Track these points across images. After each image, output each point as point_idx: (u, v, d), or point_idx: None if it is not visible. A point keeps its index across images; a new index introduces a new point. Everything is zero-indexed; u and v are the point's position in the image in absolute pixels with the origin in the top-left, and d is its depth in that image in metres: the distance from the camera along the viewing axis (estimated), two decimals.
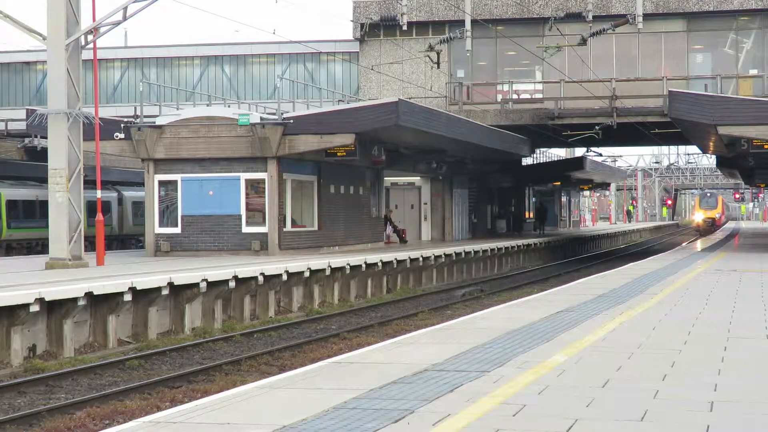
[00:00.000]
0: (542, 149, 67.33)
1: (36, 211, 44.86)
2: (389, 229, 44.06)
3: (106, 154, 34.35)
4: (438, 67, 43.42)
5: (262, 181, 33.19)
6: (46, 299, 19.21)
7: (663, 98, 43.59)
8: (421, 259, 36.08)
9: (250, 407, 9.17)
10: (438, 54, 42.10)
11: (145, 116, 34.12)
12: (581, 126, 47.21)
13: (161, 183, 33.83)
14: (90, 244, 32.35)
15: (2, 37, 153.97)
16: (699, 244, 53.38)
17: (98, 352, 20.72)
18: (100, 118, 30.08)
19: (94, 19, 28.04)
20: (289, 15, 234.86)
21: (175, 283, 23.02)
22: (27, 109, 36.68)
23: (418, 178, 48.08)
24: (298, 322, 25.85)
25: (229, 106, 40.57)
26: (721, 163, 58.86)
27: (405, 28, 43.95)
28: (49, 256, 27.32)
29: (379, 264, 33.01)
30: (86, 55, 29.81)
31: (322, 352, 20.22)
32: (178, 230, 33.67)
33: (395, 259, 34.15)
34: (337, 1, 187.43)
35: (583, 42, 39.17)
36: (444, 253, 38.35)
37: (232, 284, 25.00)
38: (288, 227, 34.00)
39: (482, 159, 49.65)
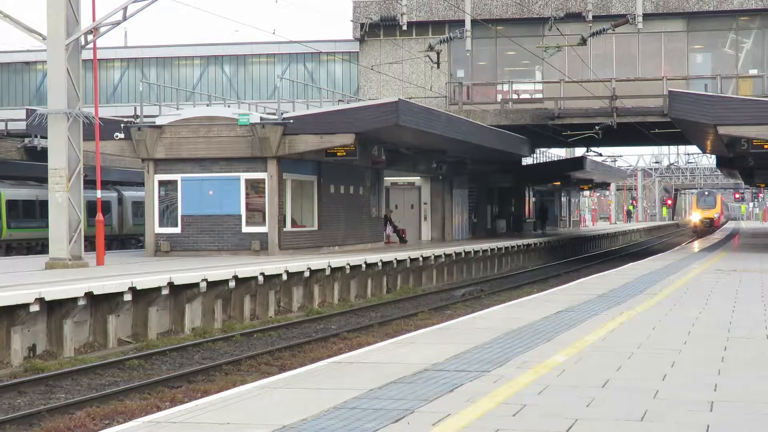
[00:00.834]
0: (542, 149, 67.34)
1: (36, 211, 44.86)
2: (389, 229, 44.06)
3: (106, 154, 34.36)
4: (438, 67, 43.43)
5: (262, 181, 33.19)
6: (46, 299, 19.21)
7: (663, 98, 43.61)
8: (421, 259, 36.08)
9: (250, 407, 9.17)
10: (438, 54, 42.11)
11: (145, 116, 34.13)
12: (581, 126, 47.21)
13: (161, 183, 33.83)
14: (90, 244, 32.34)
15: (2, 37, 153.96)
16: (699, 244, 53.32)
17: (98, 352, 20.72)
18: (100, 118, 30.09)
19: (94, 19, 28.04)
20: (289, 15, 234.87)
21: (175, 283, 23.02)
22: (27, 109, 36.69)
23: (418, 178, 48.08)
24: (298, 322, 25.85)
25: (229, 106, 40.57)
26: (721, 163, 58.85)
27: (405, 28, 43.98)
28: (49, 256, 27.32)
29: (379, 264, 33.01)
30: (86, 55, 29.82)
31: (322, 352, 20.22)
32: (178, 230, 33.67)
33: (395, 259, 34.16)
34: (337, 1, 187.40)
35: (583, 42, 39.17)
36: (444, 253, 38.35)
37: (232, 284, 25.00)
38: (288, 227, 34.00)
39: (482, 159, 49.66)
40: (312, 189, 35.97)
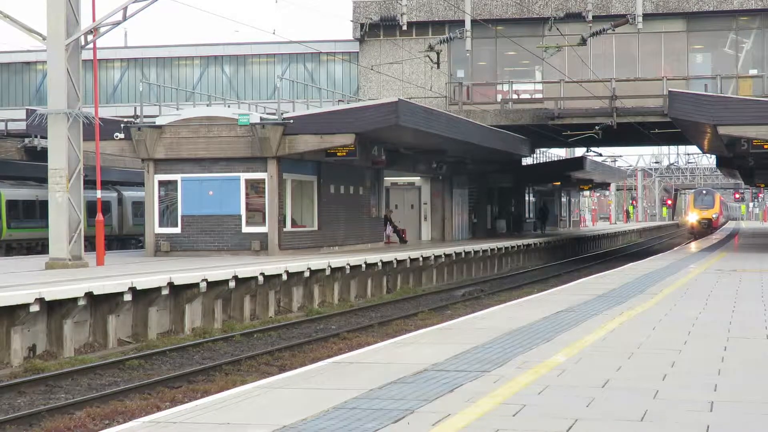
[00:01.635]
0: (542, 149, 67.32)
1: (36, 211, 44.85)
2: (389, 229, 44.06)
3: (106, 154, 34.36)
4: (438, 67, 43.42)
5: (262, 181, 33.19)
6: (46, 299, 19.21)
7: (663, 98, 43.60)
8: (421, 259, 36.08)
9: (250, 407, 9.17)
10: (438, 54, 42.10)
11: (145, 116, 34.12)
12: (581, 126, 47.21)
13: (161, 183, 33.83)
14: (90, 244, 32.34)
15: (2, 37, 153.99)
16: (699, 244, 53.30)
17: (98, 352, 20.72)
18: (100, 118, 30.08)
19: (94, 19, 28.04)
20: (289, 15, 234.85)
21: (175, 283, 23.02)
22: (27, 109, 36.68)
23: (418, 178, 48.08)
24: (298, 322, 25.85)
25: (229, 106, 40.57)
26: (721, 163, 58.87)
27: (405, 28, 43.98)
28: (49, 256, 27.32)
29: (379, 264, 33.01)
30: (86, 55, 29.82)
31: (322, 352, 20.22)
32: (178, 230, 33.67)
33: (395, 259, 34.15)
34: (337, 1, 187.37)
35: (583, 42, 39.17)
36: (444, 253, 38.35)
37: (232, 284, 25.00)
38: (288, 227, 34.00)
39: (482, 159, 49.65)
40: (312, 189, 35.97)
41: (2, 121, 49.44)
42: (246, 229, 33.29)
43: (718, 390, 9.69)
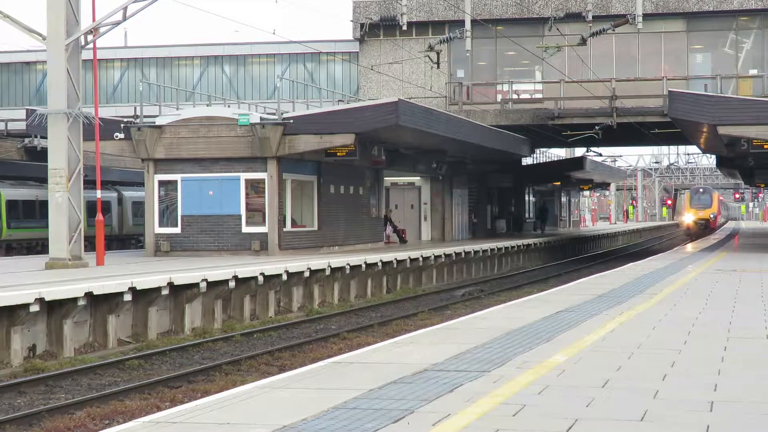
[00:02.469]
0: (542, 149, 67.33)
1: (36, 211, 44.85)
2: (389, 229, 44.06)
3: (106, 154, 34.36)
4: (438, 67, 43.43)
5: (262, 181, 33.19)
6: (46, 299, 19.21)
7: (663, 98, 43.60)
8: (421, 259, 36.08)
9: (250, 407, 9.17)
10: (438, 54, 42.12)
11: (145, 116, 34.12)
12: (581, 126, 47.21)
13: (161, 183, 33.83)
14: (90, 244, 32.33)
15: (2, 37, 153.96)
16: (699, 245, 53.28)
17: (98, 352, 20.72)
18: (100, 118, 30.08)
19: (94, 19, 28.04)
20: (289, 15, 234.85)
21: (175, 283, 23.02)
22: (27, 109, 36.69)
23: (418, 178, 48.08)
24: (298, 322, 25.85)
25: (229, 106, 40.57)
26: (721, 163, 58.85)
27: (405, 28, 44.00)
28: (49, 256, 27.32)
29: (379, 264, 33.01)
30: (86, 55, 29.81)
31: (322, 352, 20.22)
32: (178, 230, 33.67)
33: (395, 259, 34.15)
34: (337, 1, 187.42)
35: (583, 42, 39.17)
36: (444, 253, 38.35)
37: (232, 284, 25.00)
38: (288, 227, 34.00)
39: (482, 159, 49.65)
40: (312, 189, 35.97)
41: (2, 121, 49.44)
42: (246, 229, 33.29)
43: (718, 390, 9.69)
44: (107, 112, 42.27)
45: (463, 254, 40.48)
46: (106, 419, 13.90)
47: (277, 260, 29.91)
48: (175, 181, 33.69)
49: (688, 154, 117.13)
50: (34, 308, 18.84)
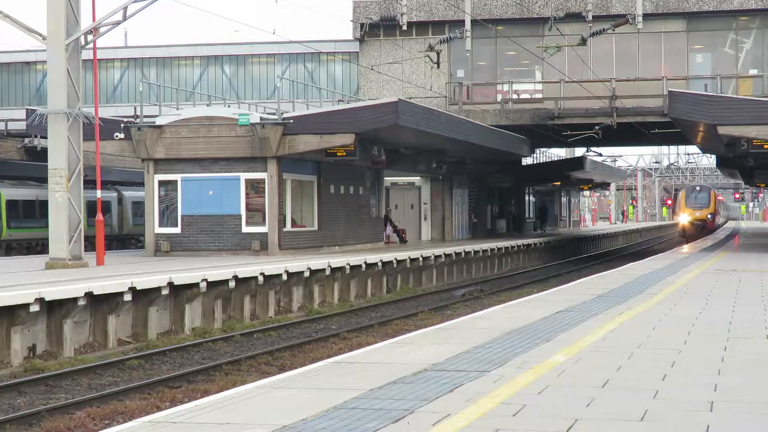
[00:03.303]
0: (542, 149, 67.34)
1: (36, 211, 44.84)
2: (389, 229, 44.06)
3: (106, 154, 34.35)
4: (438, 67, 43.41)
5: (262, 181, 33.19)
6: (46, 299, 19.21)
7: (663, 98, 43.60)
8: (421, 259, 36.08)
9: (250, 407, 9.17)
10: (438, 54, 42.09)
11: (145, 116, 34.12)
12: (581, 126, 47.21)
13: (161, 183, 33.83)
14: (90, 244, 32.34)
15: (2, 37, 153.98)
16: (699, 245, 53.23)
17: (98, 352, 20.72)
18: (100, 118, 30.08)
19: (94, 19, 28.04)
20: (289, 15, 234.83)
21: (175, 283, 23.02)
22: (27, 109, 36.69)
23: (418, 178, 48.07)
24: (298, 322, 25.85)
25: (229, 106, 40.56)
26: (721, 163, 58.87)
27: (405, 28, 43.99)
28: (49, 256, 27.32)
29: (379, 264, 33.01)
30: (86, 55, 29.82)
31: (322, 352, 20.22)
32: (178, 230, 33.67)
33: (395, 259, 34.15)
34: (337, 1, 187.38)
35: (583, 42, 39.16)
36: (444, 253, 38.35)
37: (232, 284, 25.00)
38: (288, 227, 34.00)
39: (482, 159, 49.64)
40: (312, 189, 35.97)
41: (2, 121, 49.44)
42: (246, 229, 33.29)
43: (718, 390, 9.69)
44: (107, 112, 42.27)
45: (463, 254, 40.48)
46: (106, 419, 13.90)
47: (277, 260, 29.91)
48: (175, 181, 33.69)
49: (688, 154, 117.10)
50: (34, 308, 18.84)
